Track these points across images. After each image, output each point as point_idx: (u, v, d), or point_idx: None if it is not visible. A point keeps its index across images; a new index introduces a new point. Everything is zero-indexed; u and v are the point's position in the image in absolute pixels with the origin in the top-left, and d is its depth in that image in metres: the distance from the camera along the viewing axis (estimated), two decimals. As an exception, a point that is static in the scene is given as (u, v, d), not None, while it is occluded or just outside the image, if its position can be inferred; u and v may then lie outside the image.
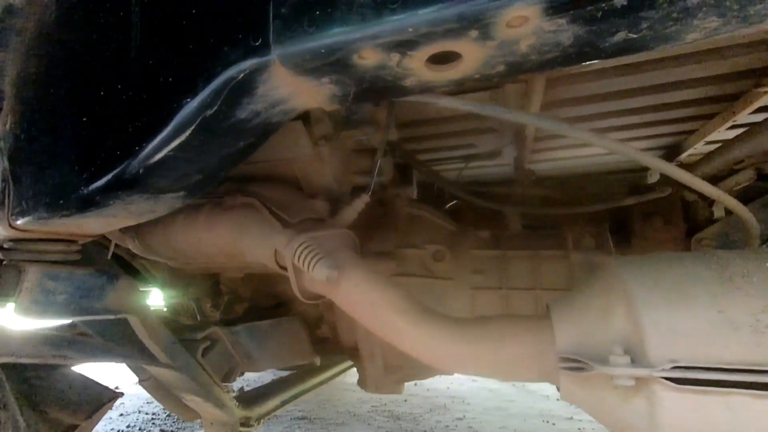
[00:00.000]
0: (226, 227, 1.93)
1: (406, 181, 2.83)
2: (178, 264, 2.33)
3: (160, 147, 1.13)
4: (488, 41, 0.94)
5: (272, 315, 2.69)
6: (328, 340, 2.83)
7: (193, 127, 1.10)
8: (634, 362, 1.21)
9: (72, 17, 1.28)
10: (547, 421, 5.01)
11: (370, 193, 1.99)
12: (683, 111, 2.56)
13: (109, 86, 1.20)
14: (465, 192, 3.02)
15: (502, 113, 1.42)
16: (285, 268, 1.81)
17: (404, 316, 1.62)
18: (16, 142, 1.31)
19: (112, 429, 4.93)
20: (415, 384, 6.41)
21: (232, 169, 1.41)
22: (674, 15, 0.85)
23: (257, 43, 1.01)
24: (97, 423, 2.02)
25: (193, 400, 2.17)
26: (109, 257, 2.10)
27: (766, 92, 2.19)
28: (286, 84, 1.09)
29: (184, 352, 1.99)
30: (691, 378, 1.14)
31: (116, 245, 2.22)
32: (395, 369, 2.57)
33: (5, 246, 1.46)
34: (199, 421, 2.44)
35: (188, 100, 1.08)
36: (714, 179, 2.74)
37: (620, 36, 0.92)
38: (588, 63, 1.09)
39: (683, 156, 3.12)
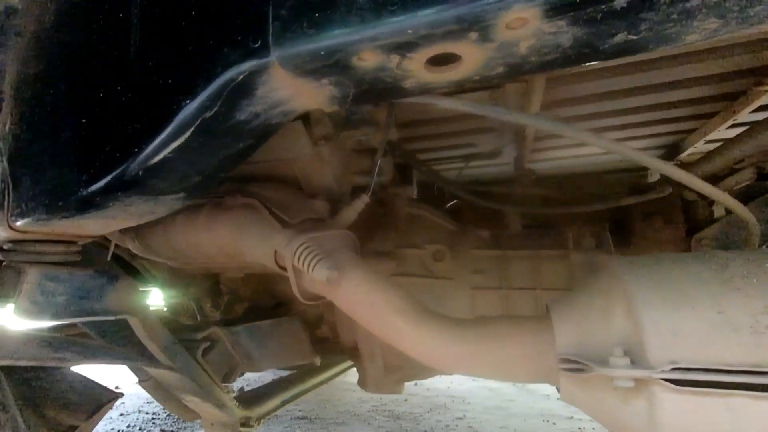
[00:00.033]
0: (226, 227, 1.93)
1: (406, 181, 2.83)
2: (178, 264, 2.33)
3: (159, 148, 1.13)
4: (488, 43, 0.94)
5: (272, 315, 2.69)
6: (328, 340, 2.83)
7: (192, 129, 1.10)
8: (634, 363, 1.21)
9: (72, 18, 1.28)
10: (548, 421, 5.01)
11: (370, 193, 1.99)
12: (683, 110, 2.56)
13: (108, 87, 1.20)
14: (465, 191, 3.02)
15: (501, 114, 1.42)
16: (285, 269, 1.81)
17: (404, 317, 1.61)
18: (15, 143, 1.30)
19: (112, 429, 4.93)
20: (415, 384, 6.41)
21: (232, 170, 1.41)
22: (674, 16, 0.85)
23: (257, 45, 1.01)
24: (97, 423, 2.02)
25: (193, 401, 2.17)
26: (109, 258, 2.09)
27: (766, 91, 2.19)
28: (285, 85, 1.09)
29: (184, 352, 1.99)
30: (691, 379, 1.14)
31: (116, 245, 2.21)
32: (395, 369, 2.57)
33: (5, 247, 1.46)
34: (199, 421, 2.44)
35: (188, 101, 1.08)
36: (714, 178, 2.74)
37: (620, 37, 0.92)
38: (588, 64, 1.09)
39: (683, 155, 3.12)
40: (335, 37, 0.95)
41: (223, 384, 2.26)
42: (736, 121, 2.48)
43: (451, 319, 1.63)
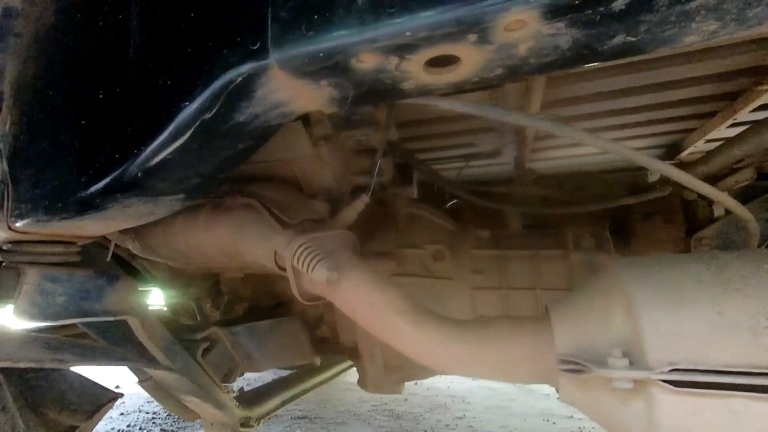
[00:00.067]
0: (225, 228, 1.93)
1: (407, 180, 2.83)
2: (177, 264, 2.33)
3: (158, 150, 1.13)
4: (487, 45, 0.94)
5: (272, 315, 2.68)
6: (328, 340, 2.83)
7: (191, 130, 1.10)
8: (633, 364, 1.21)
9: (71, 20, 1.28)
10: (548, 420, 5.02)
11: (369, 193, 1.99)
12: (684, 109, 2.56)
13: (107, 89, 1.20)
14: (465, 191, 3.02)
15: (499, 115, 1.42)
16: (284, 269, 1.81)
17: (404, 318, 1.62)
18: (15, 144, 1.30)
19: (112, 428, 4.94)
20: (416, 383, 6.41)
21: (231, 171, 1.41)
22: (672, 18, 0.85)
23: (256, 47, 1.01)
24: (96, 424, 2.02)
25: (193, 401, 2.18)
26: (108, 259, 2.09)
27: (766, 90, 2.19)
28: (284, 87, 1.09)
29: (184, 353, 1.99)
30: (689, 380, 1.14)
31: (117, 245, 2.22)
32: (395, 369, 2.57)
33: (4, 248, 1.46)
34: (199, 421, 2.44)
35: (187, 103, 1.08)
36: (714, 178, 2.74)
37: (619, 39, 0.92)
38: (587, 65, 1.09)
39: (684, 154, 3.12)
40: (334, 39, 0.95)
41: (223, 384, 2.26)
42: (736, 121, 2.48)
43: (450, 319, 1.63)
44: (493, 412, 5.35)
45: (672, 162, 3.26)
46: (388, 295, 1.66)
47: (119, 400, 2.27)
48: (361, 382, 2.68)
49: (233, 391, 2.37)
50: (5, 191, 1.30)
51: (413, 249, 2.52)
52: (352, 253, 1.84)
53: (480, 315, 2.44)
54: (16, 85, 1.32)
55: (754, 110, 2.38)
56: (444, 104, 1.31)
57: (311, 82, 1.08)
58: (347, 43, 0.95)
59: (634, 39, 0.92)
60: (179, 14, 1.12)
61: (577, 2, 0.82)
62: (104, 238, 2.00)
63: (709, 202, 3.03)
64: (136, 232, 2.07)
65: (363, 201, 1.97)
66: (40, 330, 1.79)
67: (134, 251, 2.19)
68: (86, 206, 1.22)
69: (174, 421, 5.11)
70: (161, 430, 4.91)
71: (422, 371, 2.63)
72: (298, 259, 1.69)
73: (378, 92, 1.13)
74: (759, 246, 2.50)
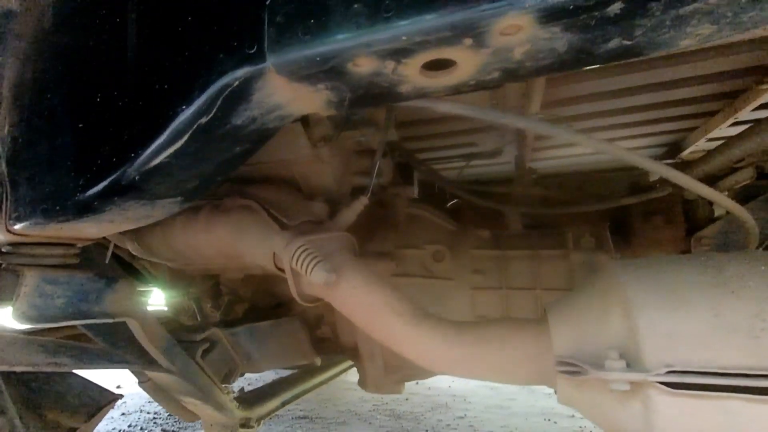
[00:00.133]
0: (224, 229, 1.93)
1: (407, 181, 2.83)
2: (177, 265, 2.34)
3: (156, 153, 1.13)
4: (482, 49, 0.94)
5: (272, 315, 2.69)
6: (328, 340, 2.83)
7: (188, 134, 1.10)
8: (630, 366, 1.21)
9: (69, 23, 1.29)
10: (549, 420, 5.01)
11: (369, 194, 1.99)
12: (685, 108, 2.56)
13: (105, 92, 1.20)
14: (465, 191, 3.02)
15: (496, 117, 1.42)
16: (283, 271, 1.81)
17: (402, 319, 1.62)
18: (14, 146, 1.31)
19: (113, 428, 4.94)
20: (416, 383, 6.41)
21: (229, 173, 1.42)
22: (668, 22, 0.85)
23: (252, 51, 1.02)
24: (96, 425, 2.02)
25: (193, 403, 2.18)
26: (107, 260, 2.10)
27: (767, 89, 2.19)
28: (281, 91, 1.10)
29: (184, 354, 1.99)
30: (686, 382, 1.15)
31: (117, 246, 2.22)
32: (395, 369, 2.57)
33: (3, 250, 1.46)
34: (200, 421, 2.45)
35: (184, 107, 1.08)
36: (714, 178, 2.74)
37: (615, 43, 0.92)
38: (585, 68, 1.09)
39: (685, 153, 3.12)
40: (330, 43, 0.95)
41: (223, 385, 2.26)
42: (737, 120, 2.49)
43: (448, 321, 1.64)
44: (494, 411, 5.35)
45: (673, 161, 3.26)
46: (386, 297, 1.66)
47: (120, 401, 2.28)
48: (362, 383, 2.69)
49: (233, 392, 2.37)
50: (4, 193, 1.31)
51: (413, 249, 2.53)
52: (350, 255, 1.85)
53: (480, 315, 2.45)
54: (14, 88, 1.32)
55: (756, 109, 2.38)
56: (440, 107, 1.31)
57: (308, 86, 1.08)
58: (343, 48, 0.95)
59: (630, 42, 0.92)
60: (176, 18, 1.12)
61: (572, 7, 0.82)
62: (104, 239, 2.01)
63: (710, 202, 3.03)
64: (135, 234, 2.08)
65: (362, 202, 1.98)
66: (39, 332, 1.79)
67: (134, 252, 2.19)
68: (84, 209, 1.22)
69: (175, 422, 5.11)
70: (162, 430, 4.92)
71: (422, 371, 2.63)
72: (297, 261, 1.70)
73: (375, 95, 1.13)
74: (759, 246, 2.50)
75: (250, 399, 2.56)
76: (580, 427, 4.76)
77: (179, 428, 4.96)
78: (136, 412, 5.47)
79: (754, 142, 2.29)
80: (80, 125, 1.22)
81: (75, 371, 1.99)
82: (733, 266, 1.27)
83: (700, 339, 1.18)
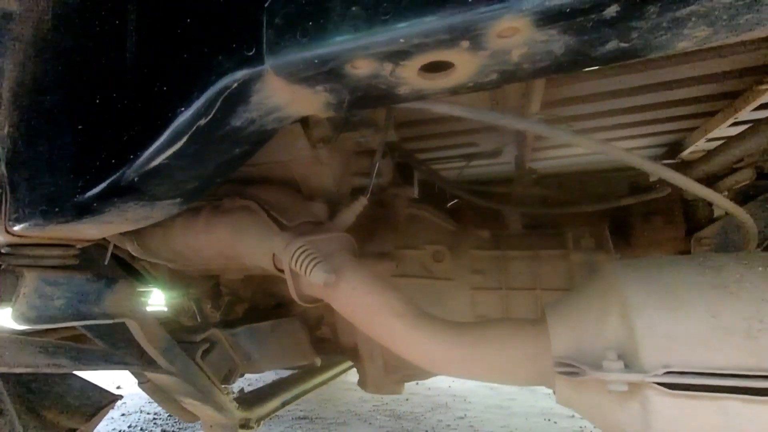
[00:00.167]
0: (224, 230, 1.93)
1: (407, 181, 2.84)
2: (177, 266, 2.34)
3: (155, 155, 1.13)
4: (480, 51, 0.94)
5: (272, 316, 2.69)
6: (328, 340, 2.83)
7: (187, 136, 1.10)
8: (628, 367, 1.21)
9: (69, 24, 1.29)
10: (549, 420, 5.01)
11: (368, 195, 1.99)
12: (685, 108, 2.57)
13: (105, 94, 1.21)
14: (465, 191, 3.02)
15: (494, 119, 1.42)
16: (283, 272, 1.81)
17: (401, 320, 1.62)
18: (13, 147, 1.31)
19: (113, 429, 4.94)
20: (417, 383, 6.41)
21: (228, 175, 1.42)
22: (664, 25, 0.86)
23: (251, 53, 1.02)
24: (96, 425, 2.02)
25: (192, 404, 2.18)
26: (106, 262, 2.10)
27: (767, 89, 2.19)
28: (280, 92, 1.10)
29: (183, 355, 1.99)
30: (684, 383, 1.15)
31: (118, 246, 2.22)
32: (395, 369, 2.57)
33: (2, 251, 1.46)
34: (200, 421, 2.45)
35: (183, 108, 1.08)
36: (714, 178, 2.74)
37: (612, 45, 0.92)
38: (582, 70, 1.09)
39: (685, 153, 3.13)
40: (329, 45, 0.95)
41: (223, 385, 2.26)
42: (737, 120, 2.49)
43: (447, 322, 1.64)
44: (494, 411, 5.35)
45: (673, 161, 3.27)
46: (386, 298, 1.67)
47: (120, 401, 2.28)
48: (361, 383, 2.69)
49: (233, 392, 2.37)
50: (3, 195, 1.31)
51: (413, 250, 2.53)
52: (349, 256, 1.85)
53: (480, 315, 2.45)
54: (14, 89, 1.32)
55: (755, 109, 2.38)
56: (439, 108, 1.31)
57: (306, 88, 1.09)
58: (342, 50, 0.96)
59: (627, 45, 0.92)
60: (175, 20, 1.12)
61: (568, 10, 0.82)
62: (103, 240, 2.01)
63: (709, 202, 3.03)
64: (135, 234, 2.08)
65: (361, 203, 1.98)
66: (38, 333, 1.80)
67: (134, 253, 2.19)
68: (83, 210, 1.22)
69: (175, 422, 5.11)
70: (162, 430, 4.92)
71: (422, 372, 2.62)
72: (296, 262, 1.70)
73: (373, 97, 1.14)
74: (758, 246, 2.51)
75: (249, 399, 2.56)
76: (580, 427, 4.76)
77: (179, 429, 4.96)
78: (136, 412, 5.47)
79: (754, 143, 2.30)
80: (80, 126, 1.23)
81: (75, 372, 1.99)
82: (731, 267, 1.27)
83: (697, 340, 1.18)
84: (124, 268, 3.01)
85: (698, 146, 2.98)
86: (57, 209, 1.23)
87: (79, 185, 1.21)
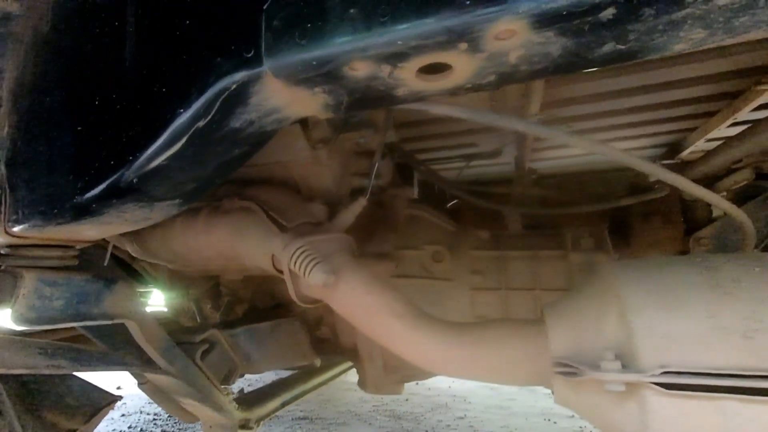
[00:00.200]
0: (223, 231, 1.94)
1: (407, 181, 2.84)
2: (177, 266, 2.34)
3: (154, 156, 1.14)
4: (478, 53, 0.95)
5: (272, 316, 2.69)
6: (328, 341, 2.83)
7: (186, 137, 1.11)
8: (626, 367, 1.22)
9: (69, 26, 1.29)
10: (549, 420, 5.02)
11: (368, 195, 1.99)
12: (684, 109, 2.57)
13: (104, 95, 1.21)
14: (465, 192, 3.03)
15: (492, 120, 1.43)
16: (282, 272, 1.81)
17: (400, 321, 1.63)
18: (13, 148, 1.31)
19: (113, 430, 4.94)
20: (416, 383, 6.41)
21: (227, 176, 1.42)
22: (660, 27, 0.86)
23: (249, 55, 1.02)
24: (96, 426, 2.03)
25: (192, 404, 2.18)
26: (105, 262, 2.10)
27: (766, 90, 2.19)
28: (279, 94, 1.10)
29: (183, 356, 1.99)
30: (681, 383, 1.15)
31: (118, 247, 2.22)
32: (395, 369, 2.57)
33: (2, 252, 1.46)
34: (200, 422, 2.45)
35: (182, 110, 1.08)
36: (713, 178, 2.75)
37: (608, 47, 0.93)
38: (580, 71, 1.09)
39: (685, 153, 3.13)
40: (327, 47, 0.96)
41: (223, 386, 2.26)
42: (736, 120, 2.49)
43: (447, 322, 1.64)
44: (494, 411, 5.35)
45: (673, 161, 3.27)
46: (385, 298, 1.67)
47: (120, 402, 2.28)
48: (361, 383, 2.69)
49: (233, 393, 2.38)
50: (3, 196, 1.31)
51: (412, 250, 2.53)
52: (349, 256, 1.85)
53: (479, 316, 2.45)
54: (14, 90, 1.33)
55: (755, 109, 2.38)
56: (437, 109, 1.31)
57: (305, 89, 1.09)
58: (340, 52, 0.96)
59: (623, 47, 0.93)
60: (175, 22, 1.13)
61: (565, 12, 0.82)
62: (103, 240, 2.01)
63: (708, 202, 3.03)
64: (135, 235, 2.08)
65: (360, 204, 1.98)
66: (38, 334, 1.80)
67: (133, 254, 2.19)
68: (82, 211, 1.22)
69: (175, 423, 5.11)
70: (162, 431, 4.92)
71: (422, 372, 2.62)
72: (295, 263, 1.70)
73: (372, 98, 1.14)
74: (757, 246, 2.51)
75: (249, 400, 2.56)
76: (580, 427, 4.76)
77: (179, 429, 4.96)
78: (136, 413, 5.47)
79: (753, 143, 2.30)
80: (79, 127, 1.23)
81: (74, 373, 2.00)
82: (728, 267, 1.28)
83: (695, 340, 1.18)
84: (124, 269, 3.01)
85: (698, 146, 2.98)
86: (56, 210, 1.23)
87: (78, 186, 1.21)
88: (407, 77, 1.05)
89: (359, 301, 1.70)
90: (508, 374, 1.53)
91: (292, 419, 5.14)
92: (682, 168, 2.82)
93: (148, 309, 2.48)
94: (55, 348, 1.66)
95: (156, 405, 2.59)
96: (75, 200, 1.21)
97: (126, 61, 1.18)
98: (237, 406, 2.37)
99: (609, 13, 0.82)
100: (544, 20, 0.84)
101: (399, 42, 0.92)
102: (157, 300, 3.94)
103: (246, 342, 2.43)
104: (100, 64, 1.23)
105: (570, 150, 3.19)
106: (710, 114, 2.63)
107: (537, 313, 2.36)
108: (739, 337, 1.15)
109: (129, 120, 1.16)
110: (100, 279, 1.61)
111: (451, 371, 1.62)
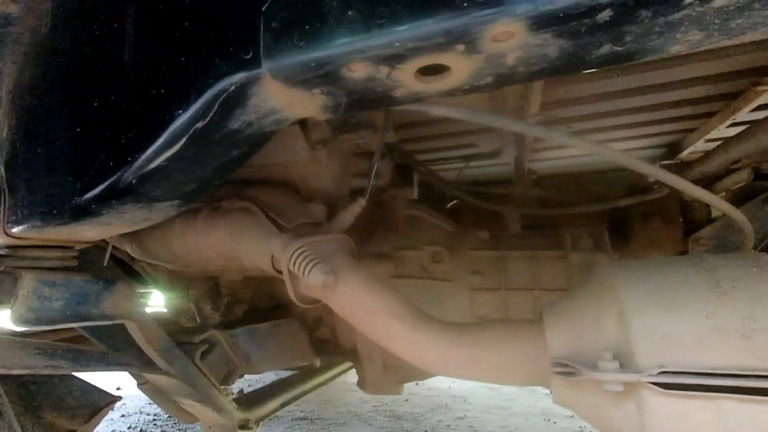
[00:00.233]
0: (223, 232, 1.94)
1: (406, 182, 2.84)
2: (176, 267, 2.34)
3: (153, 157, 1.14)
4: (475, 54, 0.95)
5: (272, 317, 2.69)
6: (327, 341, 2.83)
7: (185, 138, 1.11)
8: (624, 367, 1.22)
9: (68, 28, 1.29)
10: (549, 420, 5.02)
11: (367, 196, 2.00)
12: (684, 110, 2.57)
13: (103, 96, 1.21)
14: (464, 192, 3.03)
15: (490, 121, 1.43)
16: (281, 273, 1.82)
17: (400, 321, 1.63)
18: (12, 150, 1.32)
19: (113, 430, 4.95)
20: (416, 383, 6.41)
21: (226, 176, 1.42)
22: (657, 29, 0.86)
23: (248, 57, 1.03)
24: (95, 427, 2.03)
25: (191, 405, 2.18)
26: (105, 263, 2.10)
27: (764, 90, 2.20)
28: (277, 95, 1.10)
29: (182, 356, 1.99)
30: (679, 383, 1.15)
31: (117, 247, 2.22)
32: (394, 370, 2.58)
33: (1, 253, 1.46)
34: (200, 422, 2.45)
35: (180, 111, 1.09)
36: (712, 179, 2.75)
37: (606, 49, 0.93)
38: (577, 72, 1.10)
39: (684, 154, 3.13)
40: (325, 49, 0.96)
41: (222, 386, 2.26)
42: (735, 121, 2.49)
43: (446, 323, 1.64)
44: (493, 412, 5.35)
45: (672, 162, 3.27)
46: (384, 299, 1.67)
47: (120, 402, 2.29)
48: (361, 383, 2.69)
49: (232, 393, 2.38)
50: (2, 197, 1.32)
51: (412, 250, 2.53)
52: (348, 257, 1.85)
53: (479, 316, 2.45)
54: (13, 91, 1.33)
55: (753, 110, 2.39)
56: (435, 110, 1.31)
57: (304, 91, 1.09)
58: (338, 53, 0.96)
59: (621, 48, 0.93)
60: (173, 23, 1.13)
61: (561, 14, 0.83)
62: (102, 241, 2.01)
63: (707, 203, 3.04)
64: (134, 236, 2.08)
65: (360, 204, 1.98)
66: (37, 335, 1.80)
67: (133, 254, 2.20)
68: (82, 212, 1.23)
69: (175, 423, 5.12)
70: (162, 431, 4.93)
71: (422, 372, 2.62)
72: (295, 263, 1.70)
73: (370, 100, 1.14)
74: (756, 246, 2.51)
75: (249, 400, 2.56)
76: (580, 427, 4.76)
77: (179, 430, 4.96)
78: (135, 413, 5.47)
79: (752, 144, 2.30)
80: (78, 129, 1.23)
81: (74, 373, 2.00)
82: (725, 268, 1.28)
83: (692, 340, 1.18)
84: (124, 270, 3.02)
85: (697, 147, 2.99)
86: (55, 211, 1.24)
87: (77, 187, 1.21)
88: (405, 78, 1.05)
89: (358, 302, 1.70)
90: (507, 374, 1.54)
91: (292, 420, 5.14)
92: (681, 168, 2.82)
93: (148, 309, 2.48)
94: (54, 348, 1.67)
95: (156, 405, 2.60)
96: (74, 201, 1.22)
97: (125, 63, 1.19)
98: (237, 406, 2.37)
99: (606, 15, 0.83)
100: (541, 22, 0.85)
101: (397, 43, 0.92)
102: (156, 300, 3.94)
103: (246, 342, 2.43)
104: (99, 65, 1.23)
105: (569, 151, 3.20)
106: (709, 115, 2.63)
107: (537, 313, 2.36)
108: (738, 337, 1.15)
109: (128, 121, 1.17)
110: (100, 280, 1.61)
111: (450, 371, 1.62)
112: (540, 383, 1.50)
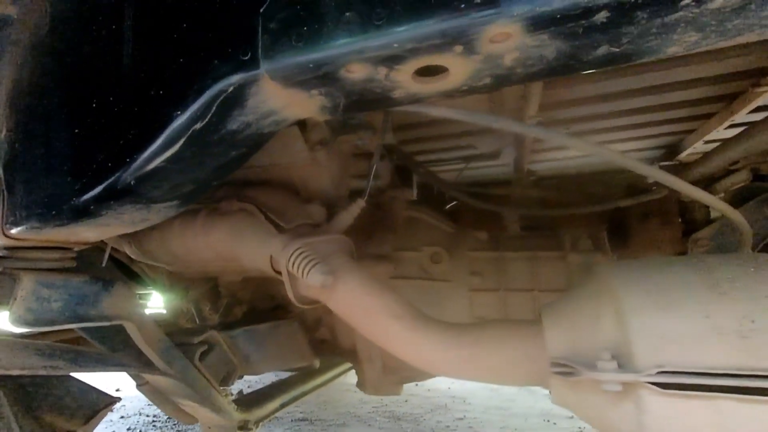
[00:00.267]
0: (222, 233, 1.94)
1: (406, 183, 2.84)
2: (175, 268, 2.34)
3: (151, 158, 1.14)
4: (473, 55, 0.95)
5: (271, 317, 2.69)
6: (327, 342, 2.83)
7: (183, 139, 1.11)
8: (622, 367, 1.22)
9: (66, 29, 1.29)
10: (548, 420, 5.02)
11: (366, 197, 2.00)
12: (682, 111, 2.57)
13: (102, 97, 1.21)
14: (463, 193, 3.03)
15: (489, 122, 1.43)
16: (281, 274, 1.82)
17: (399, 322, 1.63)
18: (11, 151, 1.32)
19: None
20: (416, 384, 6.41)
21: (225, 177, 1.42)
22: (654, 30, 0.87)
23: (246, 58, 1.03)
24: (94, 428, 2.02)
25: (190, 405, 2.18)
26: (104, 264, 2.10)
27: (763, 92, 2.20)
28: (275, 96, 1.11)
29: (182, 357, 1.99)
30: (677, 383, 1.16)
31: (116, 248, 2.22)
32: (394, 370, 2.58)
33: (0, 254, 1.47)
34: (199, 423, 2.45)
35: (179, 112, 1.09)
36: (711, 180, 2.75)
37: (603, 50, 0.93)
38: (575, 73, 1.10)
39: (683, 155, 3.13)
40: (323, 50, 0.96)
41: (222, 387, 2.26)
42: (734, 122, 2.49)
43: (445, 323, 1.65)
44: (493, 412, 5.35)
45: (671, 163, 3.28)
46: (383, 300, 1.67)
47: (119, 403, 2.29)
48: (360, 384, 2.69)
49: (232, 394, 2.38)
50: (0, 198, 1.32)
51: (411, 251, 2.53)
52: (347, 258, 1.85)
53: (478, 317, 2.45)
54: (11, 93, 1.33)
55: (752, 111, 2.39)
56: (434, 111, 1.32)
57: (302, 92, 1.09)
58: (336, 54, 0.96)
59: (617, 49, 0.93)
60: (172, 25, 1.13)
61: (558, 16, 0.83)
62: (101, 242, 2.01)
63: (706, 204, 3.04)
64: (133, 237, 2.08)
65: (359, 205, 1.98)
66: (36, 336, 1.80)
67: (132, 255, 2.19)
68: (80, 213, 1.23)
69: (174, 424, 5.11)
70: (161, 432, 4.93)
71: (421, 373, 2.62)
72: (294, 264, 1.70)
73: (369, 101, 1.14)
74: (755, 246, 2.52)
75: (248, 401, 2.56)
76: (580, 428, 4.76)
77: (178, 431, 4.96)
78: (135, 415, 5.47)
79: (750, 145, 2.31)
80: (76, 130, 1.23)
81: (73, 374, 2.00)
82: (723, 268, 1.28)
83: (690, 340, 1.19)
84: (122, 271, 3.01)
85: (696, 148, 2.99)
86: (54, 212, 1.24)
87: (76, 188, 1.21)
88: (403, 79, 1.05)
89: (357, 303, 1.70)
90: (506, 375, 1.54)
91: (292, 420, 5.14)
92: (680, 169, 2.83)
93: (147, 310, 2.49)
94: (53, 349, 1.66)
95: (155, 407, 2.60)
96: (73, 202, 1.22)
97: (123, 64, 1.19)
98: (236, 407, 2.37)
99: (602, 16, 0.83)
100: (538, 23, 0.85)
101: (395, 45, 0.92)
102: (155, 301, 3.94)
103: (245, 343, 2.43)
104: (97, 66, 1.23)
105: (568, 152, 3.20)
106: (708, 116, 2.63)
107: (536, 313, 2.36)
108: (736, 336, 1.15)
109: (126, 122, 1.17)
110: (98, 281, 1.61)
111: (449, 372, 1.62)
112: (539, 383, 1.50)
